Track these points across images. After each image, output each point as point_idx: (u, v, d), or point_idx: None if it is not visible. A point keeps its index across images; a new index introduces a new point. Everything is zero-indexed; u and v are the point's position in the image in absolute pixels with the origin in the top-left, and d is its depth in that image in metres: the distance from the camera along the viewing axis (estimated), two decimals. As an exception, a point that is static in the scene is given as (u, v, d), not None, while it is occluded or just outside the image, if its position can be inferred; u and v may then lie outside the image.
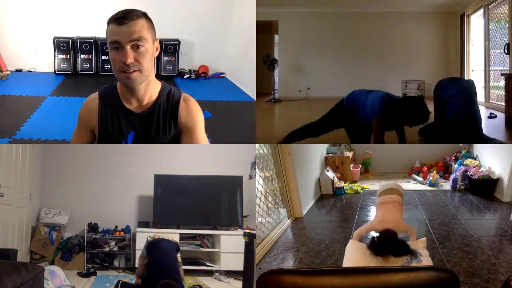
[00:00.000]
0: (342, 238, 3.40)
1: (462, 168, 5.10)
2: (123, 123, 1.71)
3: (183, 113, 1.71)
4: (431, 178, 5.38)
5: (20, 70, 6.70)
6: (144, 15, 1.63)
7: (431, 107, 3.66)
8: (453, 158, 5.65)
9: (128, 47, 1.57)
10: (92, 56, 6.59)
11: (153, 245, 2.91)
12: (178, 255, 2.97)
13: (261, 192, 3.63)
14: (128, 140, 1.72)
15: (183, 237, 3.99)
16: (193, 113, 1.73)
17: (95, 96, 1.76)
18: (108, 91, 1.75)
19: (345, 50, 7.18)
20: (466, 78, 3.66)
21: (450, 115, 3.35)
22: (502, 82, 4.90)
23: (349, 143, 4.97)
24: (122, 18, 1.57)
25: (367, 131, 3.37)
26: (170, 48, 6.71)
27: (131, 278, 3.31)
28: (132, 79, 1.61)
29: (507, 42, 4.85)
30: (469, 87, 3.41)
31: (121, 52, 1.57)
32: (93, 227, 4.09)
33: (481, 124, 3.44)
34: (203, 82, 6.85)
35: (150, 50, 1.63)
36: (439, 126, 3.46)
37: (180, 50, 6.83)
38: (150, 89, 1.70)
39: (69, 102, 5.12)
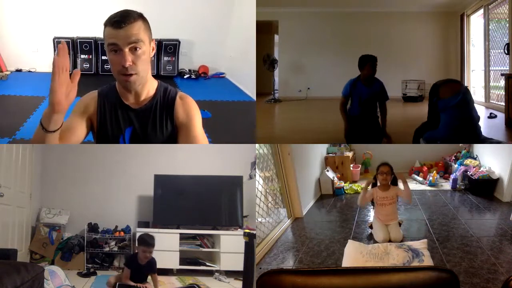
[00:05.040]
0: (342, 238, 3.40)
1: (462, 168, 5.10)
2: (121, 118, 1.74)
3: (179, 109, 1.74)
4: (431, 178, 5.38)
5: (20, 70, 6.71)
6: (141, 17, 1.65)
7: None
8: (453, 158, 5.65)
9: (126, 50, 1.59)
10: (92, 56, 6.59)
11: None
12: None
13: (261, 192, 3.63)
14: (125, 135, 1.74)
15: (183, 237, 4.00)
16: (189, 110, 1.75)
17: (94, 93, 1.79)
18: (107, 90, 1.79)
19: (345, 50, 7.16)
20: (461, 83, 3.63)
21: (445, 121, 3.33)
22: (502, 82, 4.89)
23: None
24: (120, 22, 1.58)
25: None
26: (170, 48, 6.71)
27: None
28: (131, 82, 1.65)
29: (507, 42, 4.84)
30: (464, 94, 3.39)
31: (119, 54, 1.60)
32: (93, 227, 4.09)
33: (478, 127, 3.41)
34: (203, 82, 6.85)
35: (147, 51, 1.66)
36: (431, 127, 3.47)
37: (180, 50, 6.83)
38: (147, 86, 1.74)
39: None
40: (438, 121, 3.39)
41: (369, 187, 3.55)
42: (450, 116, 3.20)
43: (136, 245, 3.16)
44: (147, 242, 3.01)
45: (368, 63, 3.48)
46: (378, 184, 3.48)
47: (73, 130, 1.70)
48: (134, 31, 1.59)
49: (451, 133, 3.23)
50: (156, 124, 1.73)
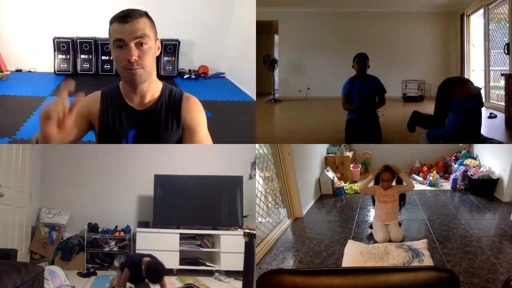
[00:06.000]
0: (342, 238, 3.40)
1: (462, 168, 5.10)
2: (124, 120, 1.71)
3: (185, 111, 1.72)
4: (431, 178, 5.37)
5: (20, 70, 6.71)
6: (146, 15, 1.65)
7: (431, 107, 3.66)
8: (453, 158, 5.65)
9: (132, 44, 1.58)
10: (92, 56, 6.59)
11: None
12: None
13: (261, 192, 3.63)
14: (129, 137, 1.71)
15: (183, 237, 4.00)
16: (196, 112, 1.73)
17: (97, 93, 1.76)
18: (110, 90, 1.76)
19: (345, 50, 7.14)
20: (475, 85, 3.60)
21: (455, 121, 3.32)
22: (502, 82, 4.89)
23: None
24: (126, 17, 1.58)
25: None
26: (170, 48, 6.70)
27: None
28: (136, 75, 1.62)
29: (507, 42, 4.84)
30: (479, 98, 3.39)
31: (125, 50, 1.58)
32: (93, 227, 4.09)
33: (480, 128, 3.42)
34: (203, 82, 6.85)
35: (153, 48, 1.64)
36: (438, 125, 3.46)
37: (180, 50, 6.83)
38: (152, 87, 1.71)
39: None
40: (445, 119, 3.37)
41: (372, 183, 3.54)
42: (462, 118, 3.18)
43: (144, 273, 3.04)
44: (158, 279, 3.01)
45: (355, 59, 3.62)
46: (380, 184, 3.48)
47: (69, 129, 1.59)
48: (140, 26, 1.59)
49: (457, 133, 3.22)
50: (161, 125, 1.70)
